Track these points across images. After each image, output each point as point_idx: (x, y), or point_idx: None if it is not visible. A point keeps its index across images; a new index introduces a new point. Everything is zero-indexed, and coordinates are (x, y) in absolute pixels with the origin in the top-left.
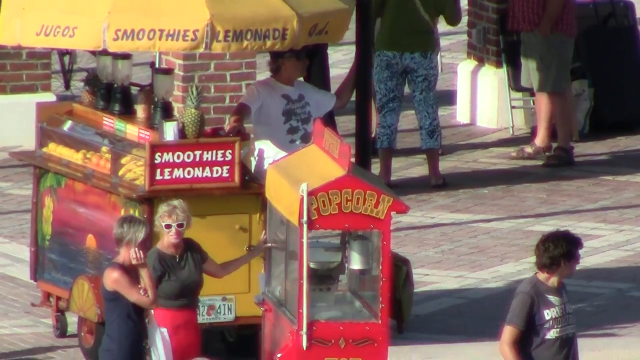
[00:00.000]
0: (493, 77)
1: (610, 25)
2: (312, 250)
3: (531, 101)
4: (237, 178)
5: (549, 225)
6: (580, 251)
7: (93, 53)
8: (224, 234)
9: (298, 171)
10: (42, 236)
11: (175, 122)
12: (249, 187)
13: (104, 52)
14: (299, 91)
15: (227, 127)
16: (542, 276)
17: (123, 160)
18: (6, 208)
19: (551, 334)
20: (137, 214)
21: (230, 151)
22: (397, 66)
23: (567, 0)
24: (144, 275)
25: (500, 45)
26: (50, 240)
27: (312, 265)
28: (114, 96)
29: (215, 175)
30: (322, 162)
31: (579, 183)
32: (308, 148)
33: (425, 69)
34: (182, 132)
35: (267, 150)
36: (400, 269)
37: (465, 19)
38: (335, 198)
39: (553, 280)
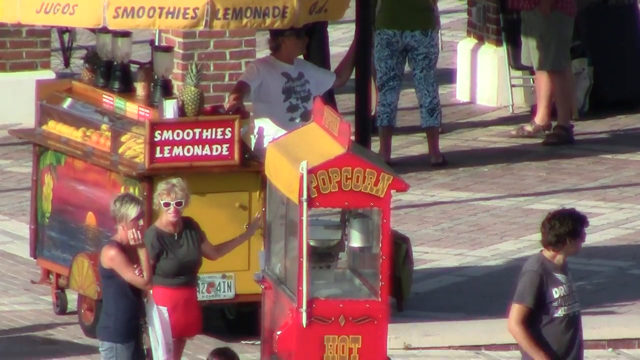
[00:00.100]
0: (493, 56)
1: (610, 4)
2: (312, 228)
3: (531, 79)
4: (236, 156)
5: (548, 204)
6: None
7: (93, 31)
8: (224, 212)
9: (298, 149)
10: (41, 214)
11: (174, 100)
12: (249, 165)
13: (104, 30)
14: (299, 69)
15: (226, 105)
16: (548, 254)
17: (123, 138)
18: (6, 186)
19: (559, 312)
20: (136, 192)
21: (229, 129)
22: (397, 44)
23: None
24: (142, 255)
25: (500, 23)
26: (50, 218)
27: (312, 243)
28: (114, 74)
29: (215, 153)
30: (321, 140)
31: (579, 161)
32: (308, 126)
33: (426, 47)
34: (181, 110)
35: (267, 128)
36: (400, 246)
37: None
38: (335, 176)
39: (559, 258)
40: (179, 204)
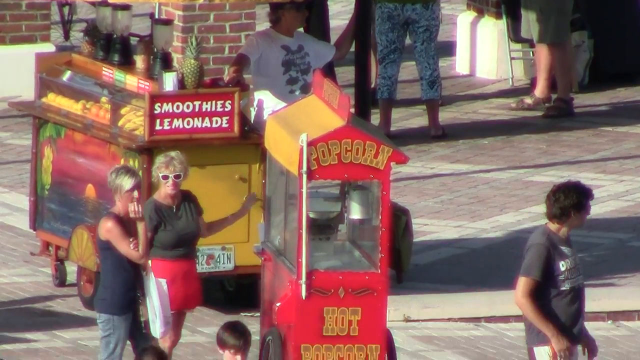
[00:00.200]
0: (493, 29)
1: None
2: (312, 200)
3: (531, 52)
4: (236, 128)
5: (548, 176)
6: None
7: (92, 4)
8: (224, 184)
9: (297, 122)
10: (41, 186)
11: (174, 73)
12: (249, 138)
13: (104, 3)
14: (299, 42)
15: (226, 77)
16: (552, 226)
17: (122, 111)
18: (6, 158)
19: (565, 285)
20: (136, 164)
21: (229, 102)
22: (398, 18)
23: None
24: (140, 228)
25: None
26: (50, 190)
27: (311, 215)
28: (114, 47)
29: (214, 125)
30: (321, 112)
31: (579, 134)
32: (307, 99)
33: (427, 20)
34: (181, 83)
35: (267, 101)
36: (399, 218)
37: None
38: (335, 148)
39: (564, 231)
40: (177, 176)
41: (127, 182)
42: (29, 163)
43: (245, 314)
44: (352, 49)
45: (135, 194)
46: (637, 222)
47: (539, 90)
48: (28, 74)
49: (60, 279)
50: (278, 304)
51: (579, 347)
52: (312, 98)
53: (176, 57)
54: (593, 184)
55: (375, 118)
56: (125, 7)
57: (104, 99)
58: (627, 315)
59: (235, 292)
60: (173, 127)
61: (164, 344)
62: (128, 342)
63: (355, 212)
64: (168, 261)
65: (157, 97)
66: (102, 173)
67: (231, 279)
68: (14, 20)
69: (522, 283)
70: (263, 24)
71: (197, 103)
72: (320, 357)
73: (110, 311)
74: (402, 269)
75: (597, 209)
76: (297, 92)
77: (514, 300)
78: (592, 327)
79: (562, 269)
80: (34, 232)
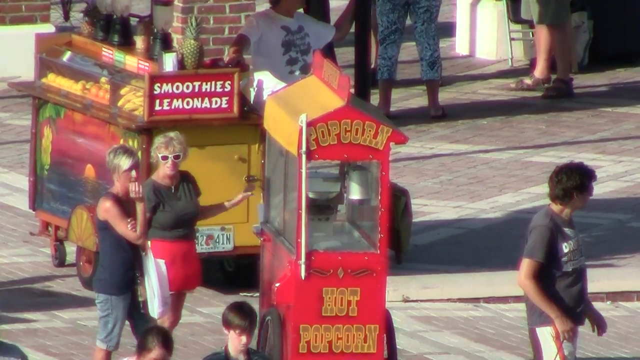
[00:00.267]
0: (492, 9)
1: None
2: (311, 180)
3: (530, 33)
4: (236, 109)
5: (547, 157)
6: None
7: None
8: (223, 165)
9: (297, 102)
10: (41, 166)
11: (174, 53)
12: (248, 118)
13: None
14: (299, 23)
15: (226, 58)
16: (555, 208)
17: (122, 91)
18: (5, 138)
19: (568, 267)
20: (135, 145)
21: (229, 82)
22: None
23: None
24: (139, 209)
25: None
26: (49, 170)
27: (311, 195)
28: (113, 27)
29: (214, 106)
30: (321, 93)
31: (578, 114)
32: (307, 79)
33: (428, 1)
34: (181, 63)
35: (267, 81)
36: (399, 199)
37: None
38: (334, 129)
39: (566, 212)
40: (176, 157)
41: (124, 162)
42: (29, 143)
43: (245, 294)
44: (352, 29)
45: (133, 173)
46: (636, 203)
47: (539, 71)
48: (28, 54)
49: (60, 259)
50: (277, 284)
51: (581, 331)
52: (311, 78)
53: (176, 37)
54: (592, 164)
55: (375, 98)
56: None
57: (103, 80)
58: (625, 295)
59: (235, 272)
60: (172, 107)
61: (163, 325)
62: (127, 322)
63: (355, 192)
64: (167, 242)
65: (156, 78)
66: (102, 153)
67: (230, 259)
68: (14, 0)
69: (526, 265)
70: (263, 5)
71: (196, 83)
72: (319, 337)
73: (108, 291)
74: (401, 250)
75: (596, 190)
76: (297, 73)
77: (516, 281)
78: None
79: (565, 250)
80: (34, 212)
